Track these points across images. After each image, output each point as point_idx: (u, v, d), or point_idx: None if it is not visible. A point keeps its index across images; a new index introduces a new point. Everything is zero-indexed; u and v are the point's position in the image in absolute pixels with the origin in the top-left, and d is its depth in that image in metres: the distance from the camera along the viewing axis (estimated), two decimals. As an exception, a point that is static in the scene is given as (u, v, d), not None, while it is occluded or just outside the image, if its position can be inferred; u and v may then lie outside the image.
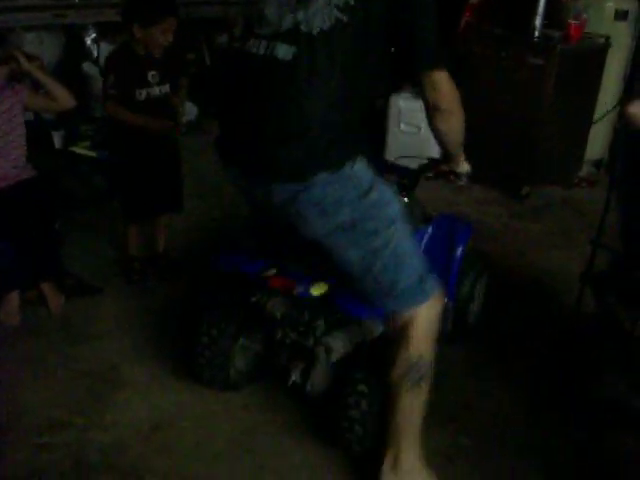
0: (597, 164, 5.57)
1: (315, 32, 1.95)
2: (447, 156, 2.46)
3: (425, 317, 2.10)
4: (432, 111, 2.06)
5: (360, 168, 2.02)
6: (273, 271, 2.29)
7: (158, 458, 2.34)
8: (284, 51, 1.97)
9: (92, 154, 4.42)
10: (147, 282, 3.45)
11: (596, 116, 5.22)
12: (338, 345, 2.33)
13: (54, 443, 2.39)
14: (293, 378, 2.39)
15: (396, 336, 2.12)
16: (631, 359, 2.73)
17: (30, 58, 4.15)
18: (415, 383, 2.09)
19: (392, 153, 5.31)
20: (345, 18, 1.93)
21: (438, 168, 2.61)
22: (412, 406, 2.13)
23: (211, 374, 2.53)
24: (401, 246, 2.07)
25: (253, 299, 2.38)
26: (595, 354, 2.95)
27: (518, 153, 4.84)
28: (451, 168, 2.54)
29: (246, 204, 2.33)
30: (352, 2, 1.94)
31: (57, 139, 4.46)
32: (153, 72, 3.20)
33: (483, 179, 5.02)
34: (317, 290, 2.24)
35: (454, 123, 2.12)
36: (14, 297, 3.05)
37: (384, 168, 2.51)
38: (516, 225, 4.55)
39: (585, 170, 5.43)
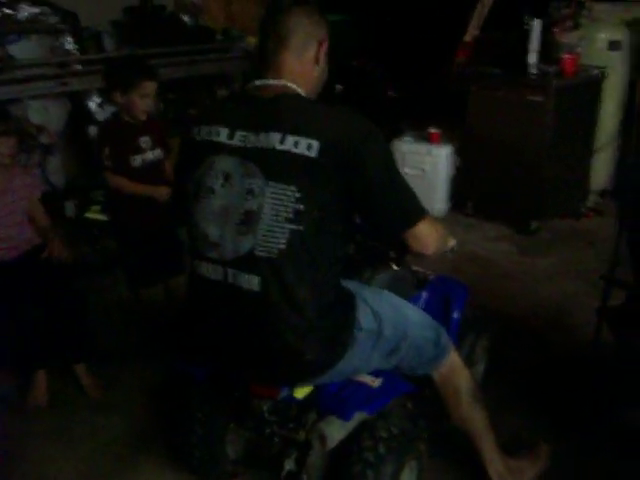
0: (602, 193, 5.60)
1: (274, 255, 1.85)
2: None
3: (452, 359, 2.30)
4: (418, 256, 2.09)
5: (362, 316, 2.03)
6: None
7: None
8: (249, 281, 1.88)
9: (103, 218, 4.47)
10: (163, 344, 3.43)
11: (597, 146, 5.28)
12: (333, 432, 2.17)
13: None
14: (287, 468, 2.23)
15: (444, 385, 2.32)
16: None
17: (38, 129, 4.27)
18: (480, 400, 2.35)
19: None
20: (301, 227, 1.83)
21: None
22: (487, 420, 2.38)
23: (204, 466, 2.43)
24: (416, 337, 2.20)
25: (237, 395, 2.26)
26: (615, 386, 2.97)
27: (524, 188, 4.89)
28: None
29: None
30: (302, 205, 1.82)
31: (69, 208, 4.51)
32: (145, 138, 3.25)
33: (491, 216, 5.09)
34: (300, 393, 2.13)
35: (441, 249, 2.18)
36: (41, 378, 3.03)
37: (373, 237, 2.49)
38: (527, 261, 4.57)
39: (591, 200, 5.47)
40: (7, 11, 4.87)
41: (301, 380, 2.07)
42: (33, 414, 2.96)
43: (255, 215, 1.86)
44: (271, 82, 1.98)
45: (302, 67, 2.01)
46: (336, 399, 2.12)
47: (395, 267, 2.47)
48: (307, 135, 1.84)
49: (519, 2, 5.50)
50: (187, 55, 5.98)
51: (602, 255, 4.37)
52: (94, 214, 4.49)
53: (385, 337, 2.10)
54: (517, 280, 4.25)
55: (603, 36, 5.11)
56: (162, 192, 3.24)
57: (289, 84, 1.97)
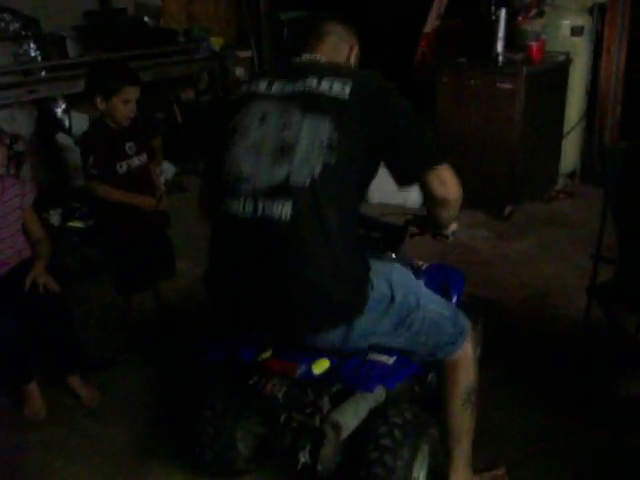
0: (571, 175, 5.72)
1: (308, 184, 1.91)
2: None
3: (468, 347, 2.26)
4: (440, 204, 2.07)
5: (376, 281, 2.04)
6: (269, 353, 2.15)
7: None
8: (276, 210, 1.92)
9: (80, 225, 4.42)
10: (155, 350, 3.41)
11: (565, 130, 5.39)
12: (347, 421, 2.19)
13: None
14: (303, 460, 2.23)
15: (450, 374, 2.27)
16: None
17: (15, 138, 4.20)
18: (474, 402, 2.31)
19: (375, 189, 5.40)
20: (333, 159, 1.91)
21: (424, 227, 2.53)
22: (473, 423, 2.34)
23: (216, 464, 2.42)
24: (432, 312, 2.17)
25: (250, 382, 2.19)
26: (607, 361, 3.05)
27: (497, 174, 4.97)
28: (438, 230, 2.48)
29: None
30: (335, 137, 1.93)
31: (56, 217, 4.45)
32: (130, 143, 3.21)
33: (466, 203, 5.13)
34: (319, 368, 2.11)
35: (457, 209, 2.15)
36: (34, 390, 2.98)
37: (369, 225, 2.52)
38: (504, 245, 4.65)
39: (561, 183, 5.58)
40: (-32, 19, 4.78)
41: (326, 324, 2.00)
42: (30, 425, 2.91)
43: (291, 145, 1.95)
44: (309, 56, 2.22)
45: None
46: (355, 374, 2.14)
47: (393, 255, 2.49)
48: (341, 78, 2.02)
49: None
50: (153, 58, 5.93)
51: (576, 235, 4.51)
52: (73, 222, 4.43)
53: (397, 303, 2.07)
54: (498, 265, 4.32)
55: (566, 22, 5.21)
56: (148, 202, 3.23)
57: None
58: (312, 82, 2.02)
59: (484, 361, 3.04)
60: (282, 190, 1.92)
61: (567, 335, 3.34)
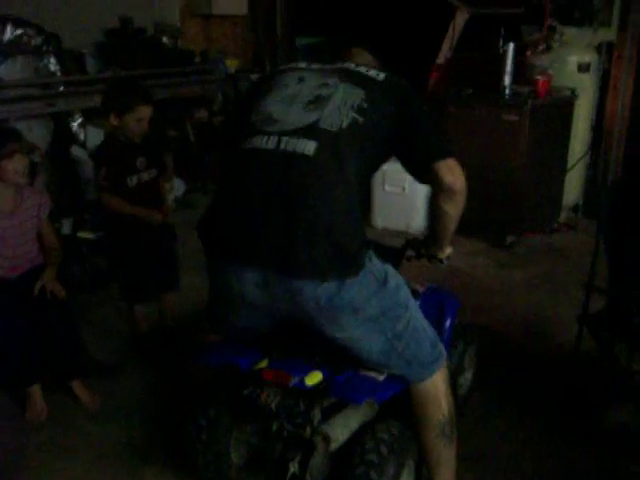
0: (574, 209, 5.81)
1: (335, 129, 2.03)
2: (436, 240, 2.46)
3: (443, 377, 2.25)
4: (446, 194, 2.13)
5: (374, 260, 2.10)
6: (264, 363, 2.23)
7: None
8: (302, 145, 2.01)
9: (90, 236, 4.53)
10: (158, 359, 3.49)
11: (569, 164, 5.49)
12: (337, 433, 2.27)
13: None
14: (292, 470, 2.28)
15: (421, 403, 2.24)
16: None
17: (32, 148, 4.33)
18: (450, 436, 2.26)
19: (378, 214, 5.52)
20: (360, 119, 2.07)
21: (421, 250, 2.62)
22: (451, 456, 2.31)
23: (208, 471, 2.47)
24: (417, 322, 2.21)
25: (245, 392, 2.28)
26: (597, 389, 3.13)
27: (500, 205, 5.06)
28: (434, 252, 2.55)
29: (227, 303, 2.27)
30: (365, 105, 2.09)
31: (66, 226, 4.57)
32: (141, 158, 3.33)
33: (469, 232, 5.24)
34: (311, 380, 2.18)
35: (461, 206, 2.20)
36: (36, 392, 3.06)
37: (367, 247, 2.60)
38: (504, 274, 4.73)
39: (564, 216, 5.67)
40: (-8, 32, 4.93)
41: (321, 269, 1.95)
42: (31, 427, 2.99)
43: (325, 99, 2.11)
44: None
45: None
46: (346, 387, 2.19)
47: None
48: (375, 69, 2.24)
49: (490, 26, 5.74)
50: (168, 77, 6.09)
51: (575, 268, 4.59)
52: (83, 233, 4.54)
53: (388, 289, 2.10)
54: (496, 292, 4.41)
55: (573, 59, 5.33)
56: (156, 217, 3.34)
57: None
58: (350, 65, 2.24)
59: (477, 384, 3.15)
60: (309, 130, 2.04)
61: (559, 362, 3.40)
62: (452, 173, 2.10)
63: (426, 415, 2.24)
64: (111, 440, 2.89)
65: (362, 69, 2.21)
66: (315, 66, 2.28)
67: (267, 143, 2.06)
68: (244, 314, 2.24)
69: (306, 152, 2.00)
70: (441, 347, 2.28)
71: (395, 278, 2.17)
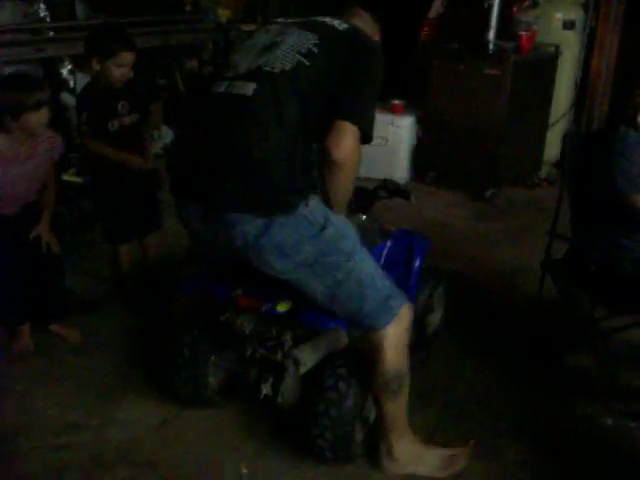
0: (556, 165, 5.90)
1: (276, 71, 2.10)
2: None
3: (394, 333, 2.22)
4: (328, 165, 2.06)
5: (313, 205, 2.09)
6: (239, 291, 2.39)
7: (170, 449, 2.56)
8: (243, 87, 2.12)
9: (78, 180, 4.62)
10: (139, 298, 3.63)
11: (552, 120, 5.58)
12: (306, 358, 2.41)
13: (71, 442, 2.59)
14: (264, 392, 2.46)
15: (369, 353, 2.26)
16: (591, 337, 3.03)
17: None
18: (395, 391, 2.27)
19: (361, 164, 5.60)
20: (307, 62, 2.11)
21: (391, 192, 2.78)
22: (396, 408, 2.32)
23: (187, 392, 2.66)
24: (363, 273, 2.18)
25: (222, 318, 2.44)
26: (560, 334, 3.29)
27: (481, 158, 5.17)
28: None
29: (192, 238, 2.39)
30: (315, 50, 2.13)
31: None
32: (123, 102, 3.37)
33: (450, 184, 5.35)
34: (282, 307, 2.34)
35: (342, 180, 2.11)
36: (26, 329, 3.20)
37: None
38: (482, 225, 4.86)
39: (545, 171, 5.78)
40: (-19, -22, 4.95)
41: (248, 203, 2.04)
42: (17, 358, 3.13)
43: (277, 45, 2.19)
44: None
45: None
46: (313, 314, 2.32)
47: (363, 217, 2.70)
48: (346, 21, 2.31)
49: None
50: (159, 25, 6.10)
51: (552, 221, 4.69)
52: (70, 176, 4.64)
53: (326, 236, 2.09)
54: (471, 242, 4.54)
55: (559, 15, 5.40)
56: (136, 161, 3.41)
57: None
58: (320, 18, 2.31)
59: (446, 325, 3.30)
60: (253, 73, 2.14)
61: (525, 309, 3.54)
62: (338, 137, 2.02)
63: (372, 365, 2.25)
64: (93, 371, 3.04)
65: (328, 19, 2.28)
66: (289, 20, 2.36)
67: (220, 87, 2.20)
68: (201, 245, 2.40)
69: (246, 93, 2.10)
70: (395, 302, 2.23)
71: (339, 227, 2.15)
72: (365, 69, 2.17)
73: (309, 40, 2.17)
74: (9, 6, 5.13)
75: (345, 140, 2.03)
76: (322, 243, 2.10)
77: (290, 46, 2.16)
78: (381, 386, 2.26)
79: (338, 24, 2.25)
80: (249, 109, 2.09)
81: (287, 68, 2.11)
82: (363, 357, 2.30)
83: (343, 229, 2.17)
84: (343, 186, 2.15)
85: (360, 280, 2.17)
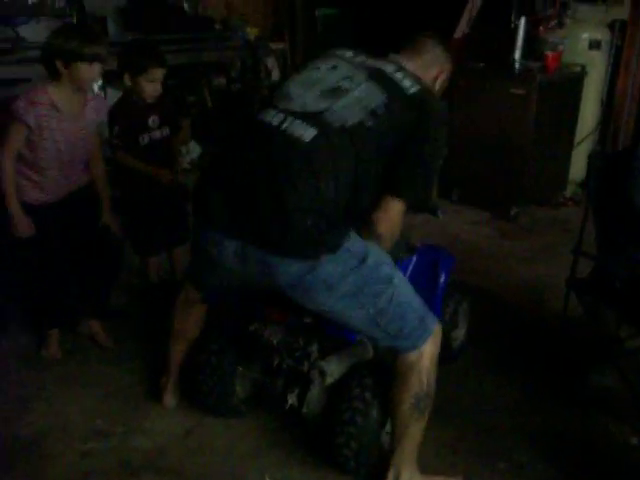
0: (581, 184, 5.88)
1: (337, 125, 2.06)
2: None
3: (429, 352, 2.24)
4: (367, 226, 2.15)
5: (354, 239, 2.12)
6: (267, 302, 2.47)
7: (195, 457, 2.59)
8: (302, 130, 2.05)
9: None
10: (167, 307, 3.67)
11: (577, 139, 5.58)
12: (332, 368, 2.45)
13: (99, 449, 2.64)
14: (290, 402, 2.50)
15: (405, 373, 2.24)
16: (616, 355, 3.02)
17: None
18: (422, 411, 2.27)
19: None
20: (370, 122, 2.07)
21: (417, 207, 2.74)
22: (417, 432, 2.31)
23: (213, 400, 2.71)
24: (402, 296, 2.20)
25: (251, 328, 2.51)
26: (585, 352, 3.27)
27: (506, 176, 5.17)
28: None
29: (207, 267, 2.41)
30: (380, 111, 2.09)
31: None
32: (154, 117, 3.46)
33: (475, 202, 5.36)
34: (309, 317, 2.42)
35: (386, 245, 2.23)
36: (55, 334, 3.26)
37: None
38: (506, 243, 4.86)
39: (570, 190, 5.76)
40: (17, -6, 5.08)
41: (295, 248, 2.04)
42: (46, 365, 3.20)
43: (342, 92, 2.13)
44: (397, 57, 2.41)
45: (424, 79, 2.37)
46: (339, 326, 2.32)
47: None
48: (415, 81, 2.21)
49: (508, 1, 5.78)
50: (188, 43, 6.20)
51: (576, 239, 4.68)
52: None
53: (368, 266, 2.11)
54: (496, 260, 4.54)
55: (585, 36, 5.40)
56: (166, 176, 3.48)
57: None
58: (389, 68, 2.23)
59: (470, 341, 3.30)
60: (313, 117, 2.08)
61: (550, 326, 3.54)
62: (389, 218, 2.11)
63: (405, 385, 2.24)
64: (121, 379, 3.09)
65: (398, 76, 2.20)
66: (357, 59, 2.29)
67: (273, 118, 2.13)
68: (224, 277, 2.39)
69: (305, 138, 2.05)
70: (431, 320, 2.26)
71: (377, 255, 2.18)
72: (429, 142, 2.14)
73: (376, 98, 2.12)
74: (43, 22, 5.25)
75: (393, 218, 2.13)
76: (364, 273, 2.12)
77: (356, 99, 2.11)
78: (411, 406, 2.25)
79: (409, 86, 2.18)
80: (304, 156, 2.04)
81: (348, 124, 2.07)
82: (395, 377, 2.28)
83: (380, 256, 2.20)
84: (390, 244, 2.25)
85: (400, 303, 2.19)
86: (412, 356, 2.22)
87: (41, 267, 3.10)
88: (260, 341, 2.47)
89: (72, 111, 2.96)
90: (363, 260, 2.12)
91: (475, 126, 5.26)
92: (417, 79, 2.25)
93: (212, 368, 2.65)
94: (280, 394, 2.53)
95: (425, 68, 2.42)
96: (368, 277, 2.13)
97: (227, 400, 2.68)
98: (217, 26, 6.85)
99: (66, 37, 2.82)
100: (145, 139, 3.45)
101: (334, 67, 2.24)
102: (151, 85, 3.34)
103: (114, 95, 5.65)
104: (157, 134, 3.50)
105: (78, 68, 2.82)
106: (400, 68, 2.25)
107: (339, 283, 2.09)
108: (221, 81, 7.05)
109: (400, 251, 2.79)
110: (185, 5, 6.65)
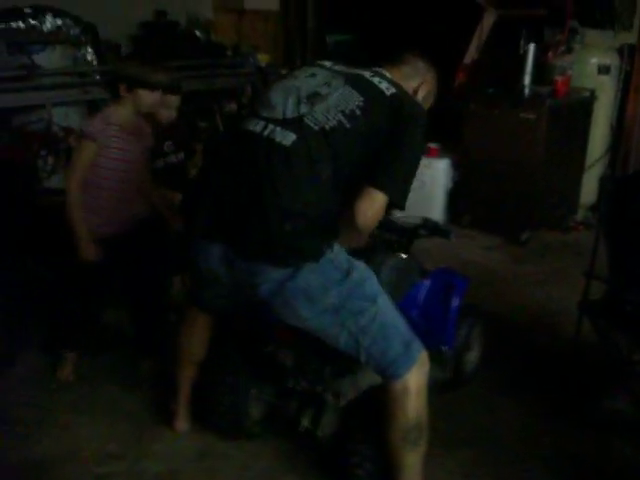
0: (592, 208, 5.89)
1: (316, 128, 2.09)
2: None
3: (415, 380, 2.18)
4: (350, 222, 2.11)
5: (337, 250, 2.13)
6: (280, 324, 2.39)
7: (208, 481, 2.60)
8: (283, 136, 2.09)
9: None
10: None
11: (587, 164, 5.59)
12: (346, 390, 2.46)
13: (111, 472, 2.64)
14: (304, 424, 2.51)
15: (390, 403, 2.19)
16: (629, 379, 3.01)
17: (66, 132, 4.53)
18: (414, 442, 2.21)
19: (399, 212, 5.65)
20: (348, 124, 2.10)
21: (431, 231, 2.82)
22: (414, 462, 2.25)
23: (226, 422, 2.71)
24: (387, 317, 2.17)
25: (266, 350, 2.54)
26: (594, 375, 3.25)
27: (517, 201, 5.18)
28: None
29: (201, 280, 2.43)
30: (358, 112, 2.12)
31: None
32: (168, 142, 3.51)
33: (486, 227, 5.37)
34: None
35: (355, 237, 2.23)
36: (71, 357, 3.29)
37: (382, 226, 2.67)
38: (517, 268, 4.86)
39: (581, 214, 5.77)
40: (33, 22, 5.16)
41: (276, 254, 2.05)
42: (59, 389, 3.20)
43: (321, 97, 2.17)
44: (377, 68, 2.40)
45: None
46: None
47: (403, 255, 2.74)
48: (392, 84, 2.25)
49: (516, 28, 5.84)
50: (200, 69, 6.28)
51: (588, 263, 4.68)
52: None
53: (351, 281, 2.10)
54: (507, 284, 4.55)
55: (594, 60, 5.44)
56: (174, 224, 3.38)
57: None
58: (368, 73, 2.28)
59: (483, 364, 3.29)
60: (293, 123, 2.12)
61: (562, 349, 3.53)
62: (369, 209, 2.07)
63: (392, 415, 2.19)
64: (136, 403, 3.09)
65: (375, 80, 2.23)
66: (336, 67, 2.33)
67: (255, 126, 2.16)
68: (216, 288, 2.38)
69: (285, 144, 2.08)
70: (415, 349, 2.20)
71: (362, 271, 2.17)
72: (408, 140, 2.17)
73: (354, 100, 2.15)
74: (59, 50, 5.34)
75: (373, 209, 2.09)
76: (348, 287, 2.11)
77: (334, 103, 2.14)
78: (401, 437, 2.20)
79: (386, 88, 2.22)
80: (285, 160, 2.07)
81: (327, 127, 2.10)
82: (383, 410, 2.23)
83: (365, 273, 2.19)
84: (355, 240, 2.26)
85: (383, 324, 2.16)
86: (397, 387, 2.17)
87: (86, 291, 3.18)
88: (274, 363, 2.48)
89: (134, 133, 3.10)
90: (347, 274, 2.11)
91: (485, 151, 5.29)
92: (395, 84, 2.28)
93: (226, 389, 2.65)
94: (294, 416, 2.54)
95: (406, 79, 2.43)
96: (351, 292, 2.12)
97: (241, 422, 2.68)
98: (229, 53, 6.94)
99: (131, 65, 3.05)
100: (160, 163, 3.49)
101: (313, 75, 2.28)
102: (167, 111, 3.39)
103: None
104: (172, 158, 3.54)
105: (140, 94, 3.00)
106: (378, 73, 2.29)
107: (321, 296, 2.09)
108: (232, 107, 7.11)
109: (415, 275, 2.81)
110: (197, 32, 6.74)
